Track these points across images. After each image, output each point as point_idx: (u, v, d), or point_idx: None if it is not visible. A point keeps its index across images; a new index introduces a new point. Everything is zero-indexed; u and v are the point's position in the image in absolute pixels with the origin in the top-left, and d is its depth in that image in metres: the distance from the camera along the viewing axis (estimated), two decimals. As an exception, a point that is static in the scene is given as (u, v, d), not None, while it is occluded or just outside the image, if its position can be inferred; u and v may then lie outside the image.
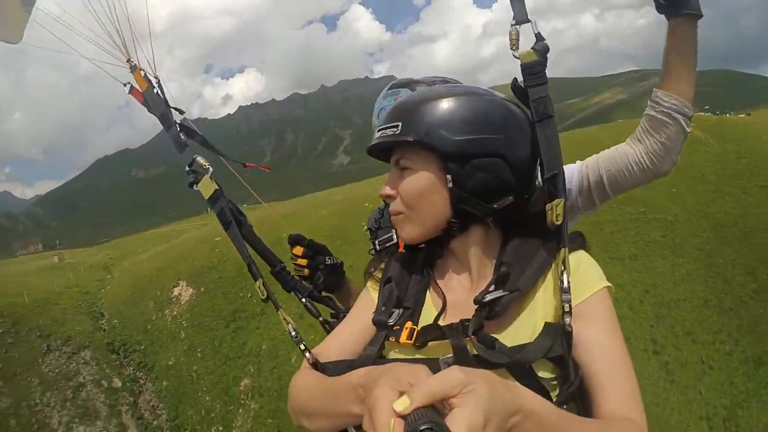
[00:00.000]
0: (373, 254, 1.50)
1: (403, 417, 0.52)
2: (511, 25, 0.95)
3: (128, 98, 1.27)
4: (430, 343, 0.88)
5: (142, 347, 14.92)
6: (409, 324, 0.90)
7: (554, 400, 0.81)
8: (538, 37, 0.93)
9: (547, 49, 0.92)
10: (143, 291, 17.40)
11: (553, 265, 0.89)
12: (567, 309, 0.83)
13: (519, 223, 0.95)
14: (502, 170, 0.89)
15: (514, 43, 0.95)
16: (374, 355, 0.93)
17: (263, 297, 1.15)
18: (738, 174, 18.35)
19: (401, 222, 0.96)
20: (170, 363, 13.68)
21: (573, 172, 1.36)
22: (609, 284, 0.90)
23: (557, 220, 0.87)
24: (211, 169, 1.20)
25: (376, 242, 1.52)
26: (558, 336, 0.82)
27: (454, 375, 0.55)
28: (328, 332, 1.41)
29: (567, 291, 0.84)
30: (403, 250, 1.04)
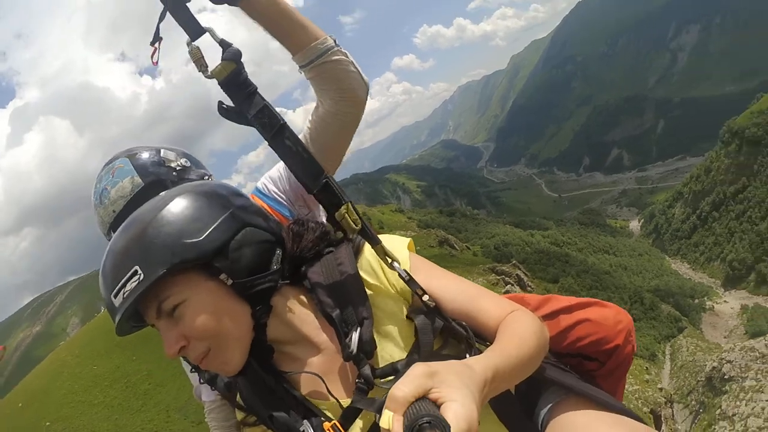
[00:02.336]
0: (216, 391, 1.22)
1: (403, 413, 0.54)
2: (188, 45, 0.83)
3: None
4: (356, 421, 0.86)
5: None
6: (326, 425, 0.86)
7: (467, 356, 0.86)
8: (224, 44, 0.84)
9: (239, 54, 0.84)
10: None
11: (367, 266, 0.91)
12: (420, 293, 0.87)
13: (301, 261, 0.93)
14: (255, 235, 0.87)
15: (201, 63, 0.83)
16: None
17: None
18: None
19: (214, 358, 0.86)
20: None
21: (280, 170, 1.29)
22: (406, 238, 0.97)
23: (357, 225, 0.85)
24: None
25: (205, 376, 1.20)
26: (428, 314, 0.87)
27: (419, 372, 0.58)
28: None
29: (411, 280, 0.87)
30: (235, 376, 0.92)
